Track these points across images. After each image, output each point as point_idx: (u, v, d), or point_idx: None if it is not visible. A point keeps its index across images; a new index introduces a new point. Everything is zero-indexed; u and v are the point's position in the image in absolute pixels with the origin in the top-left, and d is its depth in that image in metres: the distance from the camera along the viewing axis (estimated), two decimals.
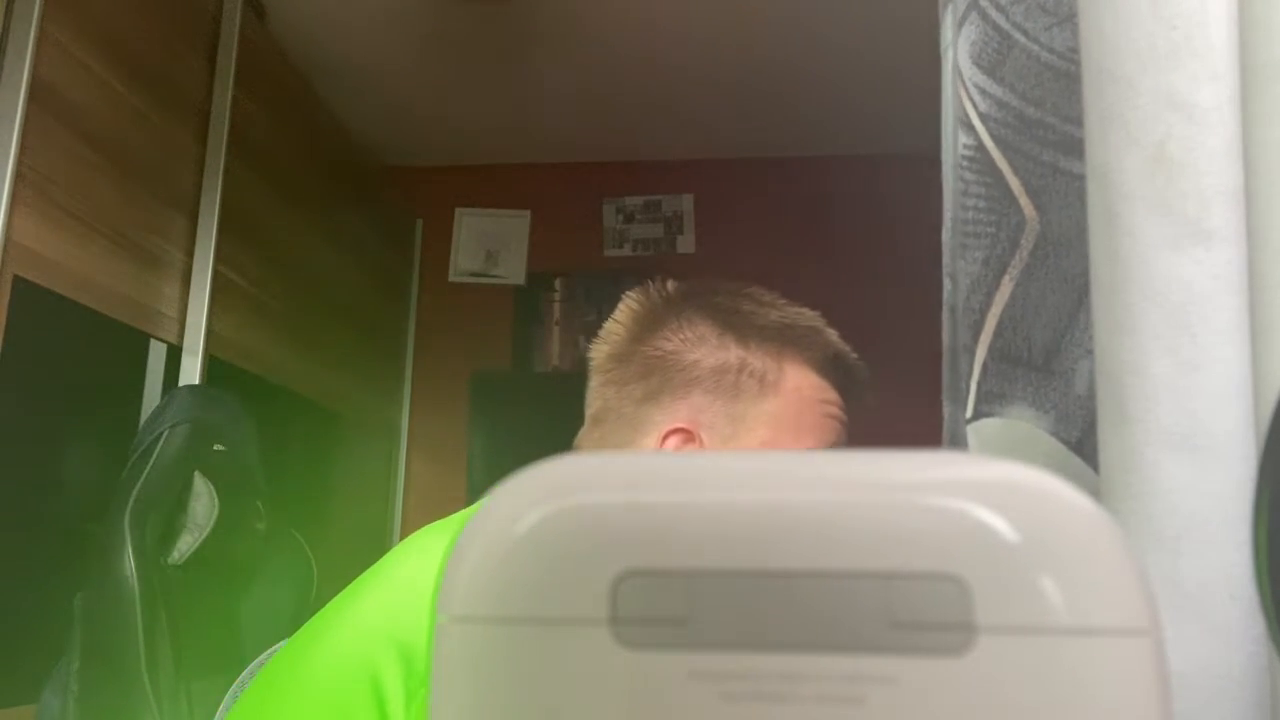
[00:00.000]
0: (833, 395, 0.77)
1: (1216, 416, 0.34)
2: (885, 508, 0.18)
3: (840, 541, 0.18)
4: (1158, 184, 0.35)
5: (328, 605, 0.65)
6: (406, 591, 0.61)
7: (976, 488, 0.18)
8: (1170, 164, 0.35)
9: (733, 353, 0.74)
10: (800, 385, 0.75)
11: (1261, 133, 0.34)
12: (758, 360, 0.74)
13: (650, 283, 0.80)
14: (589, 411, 0.79)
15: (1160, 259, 0.35)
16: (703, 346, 0.75)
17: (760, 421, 0.73)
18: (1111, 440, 0.36)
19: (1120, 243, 0.36)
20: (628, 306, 0.80)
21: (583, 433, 0.79)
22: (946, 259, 0.54)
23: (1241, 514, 0.33)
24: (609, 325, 0.80)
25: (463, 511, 0.73)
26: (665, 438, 0.73)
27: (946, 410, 0.54)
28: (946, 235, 0.54)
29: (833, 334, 0.79)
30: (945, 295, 0.55)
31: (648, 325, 0.77)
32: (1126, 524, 0.35)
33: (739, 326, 0.75)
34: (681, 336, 0.75)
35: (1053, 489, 0.18)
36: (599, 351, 0.79)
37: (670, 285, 0.80)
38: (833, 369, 0.77)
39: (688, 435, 0.73)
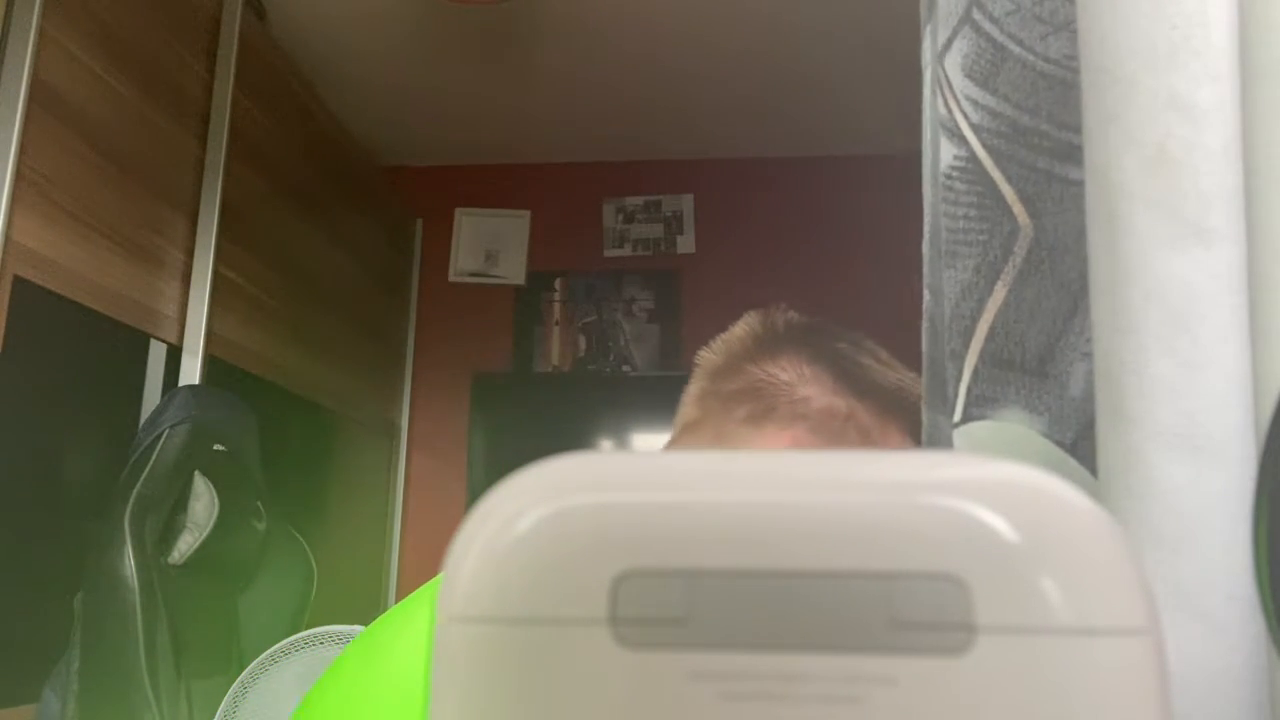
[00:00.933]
0: None
1: (1216, 417, 0.34)
2: (885, 508, 0.18)
3: (840, 541, 0.18)
4: (1157, 184, 0.35)
5: (315, 688, 0.63)
6: (396, 693, 0.59)
7: (976, 488, 0.18)
8: (1170, 164, 0.35)
9: (844, 401, 0.74)
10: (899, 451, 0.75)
11: (1262, 133, 0.34)
12: (866, 417, 0.74)
13: (774, 308, 0.80)
14: (683, 418, 0.78)
15: (1160, 259, 0.35)
16: (816, 386, 0.74)
17: None
18: (1111, 440, 0.36)
19: (1120, 243, 0.36)
20: (748, 325, 0.79)
21: (674, 438, 0.79)
22: (926, 271, 0.54)
23: (1241, 514, 0.33)
24: (726, 337, 0.79)
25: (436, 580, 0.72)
26: None
27: (926, 417, 0.54)
28: (926, 247, 0.55)
29: None
30: (925, 307, 0.55)
31: (765, 348, 0.77)
32: (1126, 524, 0.35)
33: (856, 379, 0.75)
34: (798, 371, 0.75)
35: (1053, 489, 0.18)
36: (709, 360, 0.79)
37: (795, 316, 0.80)
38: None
39: None
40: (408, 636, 0.62)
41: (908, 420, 0.75)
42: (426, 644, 0.59)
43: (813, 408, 0.73)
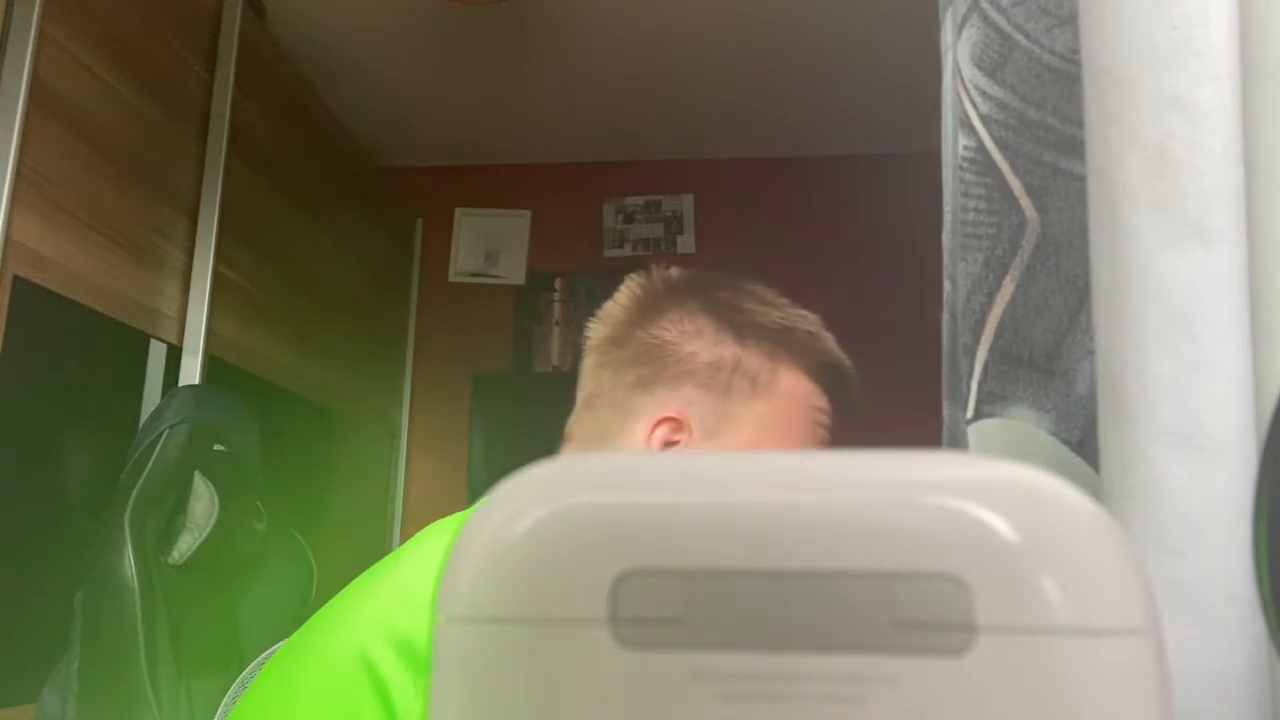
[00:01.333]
0: (823, 403, 0.77)
1: (1217, 417, 0.34)
2: (885, 508, 0.18)
3: (840, 541, 0.18)
4: (1158, 184, 0.35)
5: (327, 605, 0.65)
6: (403, 589, 0.61)
7: (976, 488, 0.18)
8: (1171, 164, 0.35)
9: (729, 350, 0.74)
10: (792, 390, 0.75)
11: (1262, 133, 0.34)
12: (753, 360, 0.74)
13: (653, 267, 0.80)
14: (581, 395, 0.79)
15: (1161, 259, 0.35)
16: (700, 340, 0.75)
17: (747, 422, 0.73)
18: (1112, 440, 0.36)
19: (1121, 243, 0.36)
20: (629, 289, 0.79)
21: (574, 417, 0.79)
22: (947, 261, 0.54)
23: (1242, 514, 0.33)
24: (608, 306, 0.80)
25: (464, 512, 0.73)
26: (655, 425, 0.73)
27: (946, 411, 0.54)
28: (946, 237, 0.54)
29: (830, 340, 0.79)
30: (945, 297, 0.55)
31: (648, 311, 0.77)
32: (1127, 524, 0.35)
33: (739, 324, 0.75)
34: (680, 328, 0.75)
35: (1053, 489, 0.18)
36: (596, 332, 0.79)
37: (674, 272, 0.80)
38: (826, 376, 0.77)
39: (677, 424, 0.73)
40: (414, 559, 0.63)
41: (797, 357, 0.76)
42: (439, 562, 0.61)
43: (698, 363, 0.74)
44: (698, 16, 2.16)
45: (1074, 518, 0.18)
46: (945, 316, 0.54)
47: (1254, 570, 0.25)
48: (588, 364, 0.79)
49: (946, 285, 0.54)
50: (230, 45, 1.81)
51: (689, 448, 0.72)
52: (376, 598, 0.62)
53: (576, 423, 0.78)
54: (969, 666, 0.17)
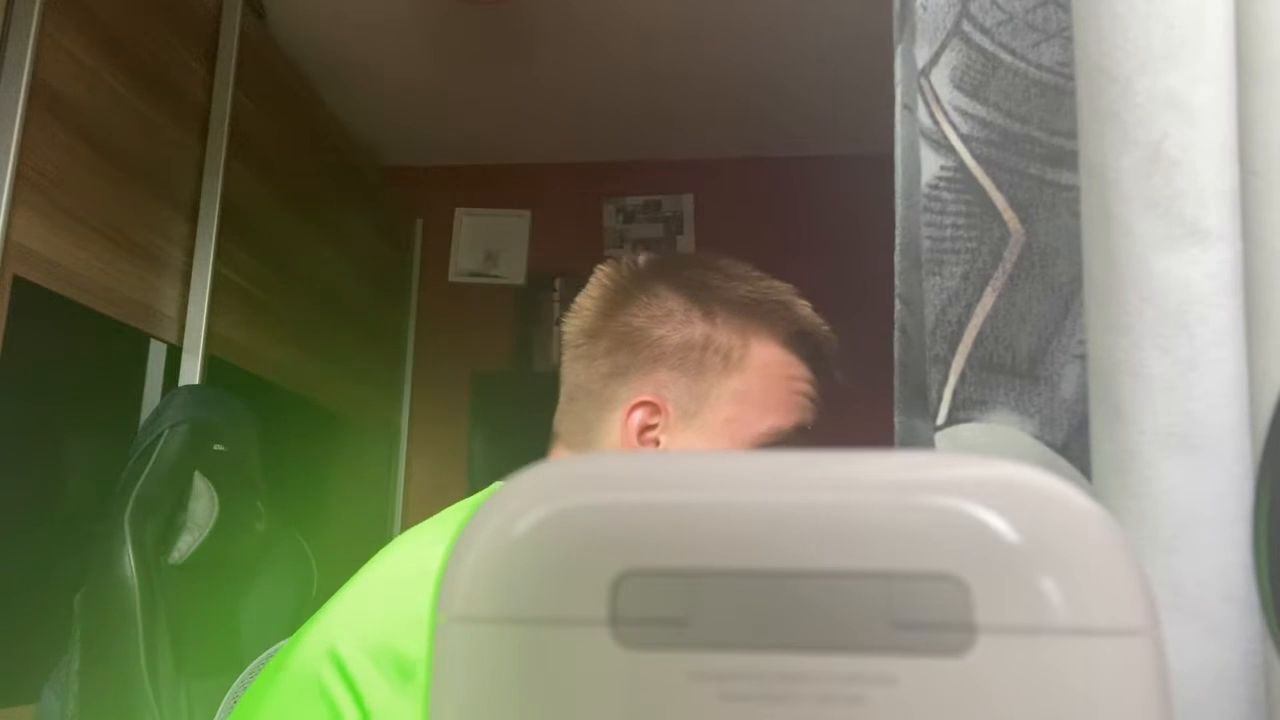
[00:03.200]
0: (801, 370, 0.76)
1: (1213, 416, 0.34)
2: (885, 508, 0.18)
3: (840, 541, 0.18)
4: (1154, 184, 0.35)
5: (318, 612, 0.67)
6: (347, 600, 0.63)
7: (976, 488, 0.18)
8: (1167, 164, 0.35)
9: (698, 328, 0.74)
10: (767, 362, 0.74)
11: (1259, 133, 0.34)
12: (723, 336, 0.74)
13: (622, 257, 0.80)
14: (563, 390, 0.79)
15: (1157, 258, 0.35)
16: (669, 322, 0.74)
17: (724, 399, 0.73)
18: (1107, 440, 0.36)
19: (1116, 242, 0.36)
20: (598, 281, 0.79)
21: (559, 411, 0.79)
22: (899, 283, 0.55)
23: (1238, 514, 0.33)
24: (580, 300, 0.80)
25: (444, 511, 0.74)
26: (631, 410, 0.72)
27: (900, 422, 0.55)
28: (899, 259, 0.55)
29: (804, 307, 0.78)
30: (897, 316, 0.55)
31: (617, 300, 0.77)
32: (1123, 524, 0.35)
33: (705, 301, 0.75)
34: (649, 312, 0.75)
35: (1053, 489, 0.18)
36: (570, 326, 0.79)
37: (641, 259, 0.79)
38: (801, 344, 0.76)
39: (653, 408, 0.72)
40: (389, 560, 0.64)
41: (769, 327, 0.75)
42: (440, 564, 0.62)
43: (669, 345, 0.73)
44: (698, 16, 2.16)
45: (1074, 518, 0.18)
46: (897, 334, 0.55)
47: (1254, 570, 0.25)
48: (565, 359, 0.79)
49: (898, 305, 0.55)
50: (230, 45, 1.81)
51: (667, 431, 0.72)
52: (337, 607, 0.63)
53: (561, 418, 0.79)
54: (969, 666, 0.17)
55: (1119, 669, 0.17)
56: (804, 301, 0.78)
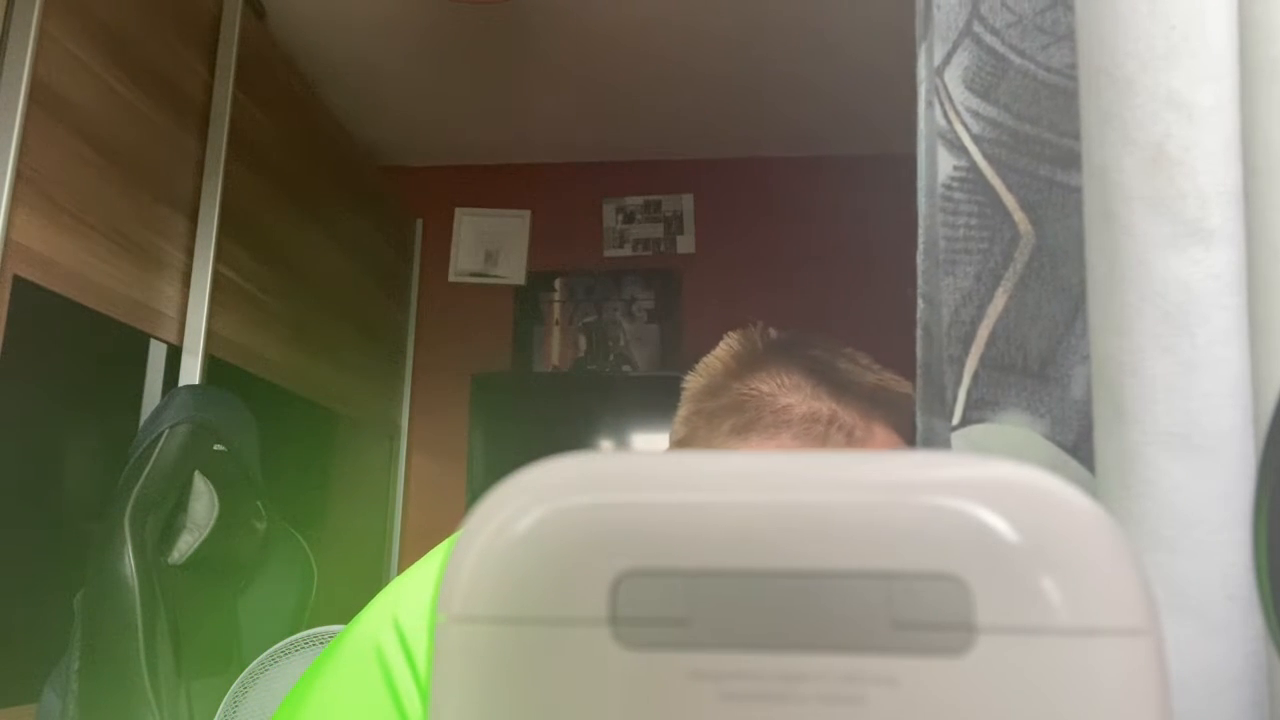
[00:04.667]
0: None
1: (1215, 416, 0.34)
2: (885, 508, 0.18)
3: (840, 541, 0.18)
4: (1156, 184, 0.35)
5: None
6: (418, 575, 0.66)
7: (977, 488, 0.18)
8: (1169, 164, 0.35)
9: (825, 404, 0.75)
10: (887, 446, 0.75)
11: (1261, 132, 0.34)
12: (849, 416, 0.75)
13: (752, 326, 0.81)
14: (673, 439, 0.80)
15: (1159, 259, 0.35)
16: (798, 394, 0.76)
17: None
18: (1109, 441, 0.36)
19: (1118, 243, 0.36)
20: (728, 345, 0.81)
21: None
22: (921, 282, 0.55)
23: (1240, 514, 0.33)
24: (708, 360, 0.82)
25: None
26: None
27: (921, 421, 0.54)
28: (921, 258, 0.55)
29: None
30: (919, 315, 0.55)
31: (746, 365, 0.78)
32: (1124, 524, 0.35)
33: (835, 382, 0.77)
34: (778, 381, 0.77)
35: (1053, 489, 0.18)
36: (694, 383, 0.81)
37: (772, 331, 0.81)
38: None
39: None
40: (424, 564, 0.67)
41: (892, 416, 0.76)
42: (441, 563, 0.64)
43: (795, 414, 0.75)
44: (698, 16, 2.17)
45: (1074, 518, 0.18)
46: (920, 333, 0.55)
47: (1254, 570, 0.25)
48: (681, 414, 0.80)
49: (921, 304, 0.55)
50: (230, 45, 1.81)
51: None
52: (394, 590, 0.66)
53: None
54: (969, 666, 0.17)
55: (1119, 669, 0.17)
56: None
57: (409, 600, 0.63)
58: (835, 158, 2.80)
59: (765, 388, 0.76)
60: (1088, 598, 0.17)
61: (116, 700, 1.32)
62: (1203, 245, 0.35)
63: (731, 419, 0.76)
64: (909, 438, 0.77)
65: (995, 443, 0.46)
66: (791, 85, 2.45)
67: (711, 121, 2.67)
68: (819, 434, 0.74)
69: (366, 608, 0.66)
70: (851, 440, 0.74)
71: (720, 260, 2.82)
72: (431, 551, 0.70)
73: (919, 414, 0.55)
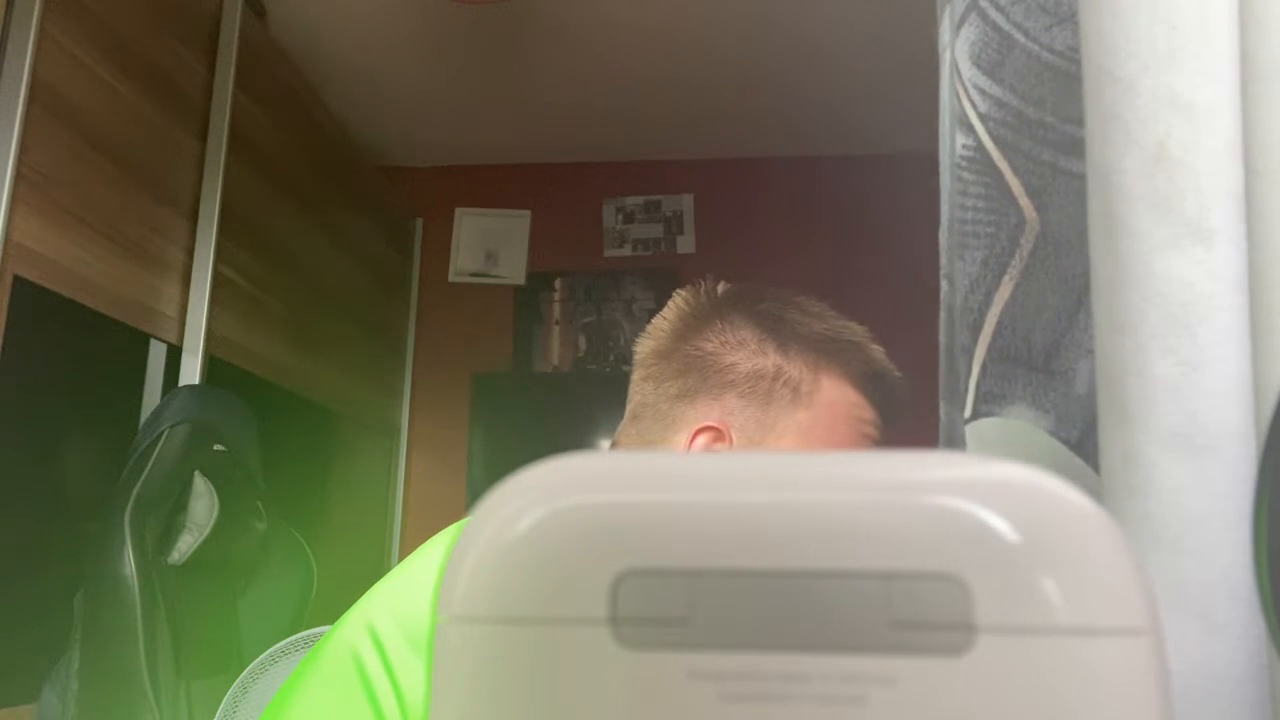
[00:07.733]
0: (869, 413, 0.76)
1: (1217, 416, 0.34)
2: (885, 508, 0.18)
3: (840, 541, 0.18)
4: (1158, 184, 0.35)
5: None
6: (394, 582, 0.65)
7: (976, 488, 0.18)
8: (1170, 164, 0.35)
9: (770, 359, 0.75)
10: (835, 399, 0.75)
11: (1262, 133, 0.34)
12: (795, 369, 0.74)
13: (701, 282, 0.80)
14: (628, 407, 0.80)
15: (1160, 259, 0.35)
16: (742, 350, 0.75)
17: (790, 431, 0.73)
18: (1112, 440, 0.36)
19: (1120, 243, 0.36)
20: (675, 304, 0.80)
21: (621, 428, 0.80)
22: (944, 260, 0.54)
23: (1242, 513, 0.33)
24: (656, 321, 0.81)
25: (462, 521, 0.74)
26: (695, 435, 0.73)
27: (943, 411, 0.54)
28: (944, 236, 0.55)
29: (877, 350, 0.79)
30: (943, 296, 0.55)
31: (692, 325, 0.78)
32: (1127, 523, 0.35)
33: (781, 334, 0.76)
34: (723, 339, 0.76)
35: (1053, 489, 0.18)
36: (643, 347, 0.80)
37: (719, 287, 0.80)
38: (872, 386, 0.77)
39: (718, 434, 0.73)
40: (417, 559, 0.66)
41: (841, 366, 0.76)
42: (441, 561, 0.64)
43: (739, 373, 0.74)
44: (698, 16, 2.16)
45: (1074, 518, 0.18)
46: (942, 315, 0.54)
47: (1254, 570, 0.25)
48: (635, 377, 0.80)
49: (944, 284, 0.54)
50: (230, 45, 1.81)
51: None
52: (369, 598, 0.65)
53: (622, 434, 0.79)
54: (969, 666, 0.17)
55: (1119, 669, 0.17)
56: (878, 345, 0.79)
57: (385, 608, 0.62)
58: (835, 158, 2.80)
59: (710, 345, 0.76)
60: (1087, 598, 0.17)
61: (116, 700, 1.32)
62: (1204, 245, 0.35)
63: (679, 382, 0.75)
64: (861, 386, 0.76)
65: (1003, 438, 0.46)
66: (791, 85, 2.45)
67: (711, 121, 2.67)
68: (764, 390, 0.74)
69: (346, 613, 0.65)
70: (797, 394, 0.74)
71: (720, 260, 2.82)
72: (410, 555, 0.70)
73: (941, 403, 0.54)
